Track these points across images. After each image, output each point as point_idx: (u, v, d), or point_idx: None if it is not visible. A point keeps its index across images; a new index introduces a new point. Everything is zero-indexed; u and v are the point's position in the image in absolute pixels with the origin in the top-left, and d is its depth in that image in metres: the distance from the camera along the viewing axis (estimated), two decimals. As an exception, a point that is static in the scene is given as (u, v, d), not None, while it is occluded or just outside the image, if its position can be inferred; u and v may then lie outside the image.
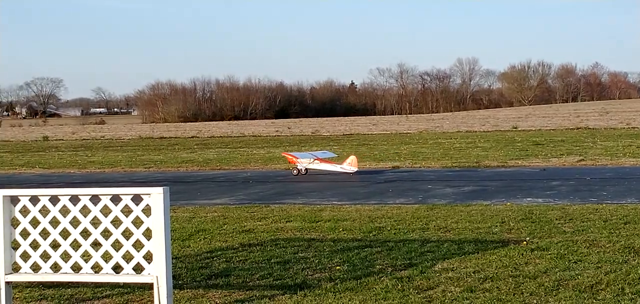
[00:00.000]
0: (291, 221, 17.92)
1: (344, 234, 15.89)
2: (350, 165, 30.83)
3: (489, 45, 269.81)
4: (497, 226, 16.28)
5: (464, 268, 12.09)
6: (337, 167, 31.28)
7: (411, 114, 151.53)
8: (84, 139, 77.79)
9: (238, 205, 21.61)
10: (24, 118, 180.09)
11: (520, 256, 12.86)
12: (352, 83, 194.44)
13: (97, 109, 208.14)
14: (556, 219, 16.82)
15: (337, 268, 12.42)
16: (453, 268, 12.19)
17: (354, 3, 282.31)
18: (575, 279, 11.18)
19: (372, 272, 12.04)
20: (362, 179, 28.98)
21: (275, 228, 16.96)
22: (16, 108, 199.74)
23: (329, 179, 29.47)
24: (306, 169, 31.66)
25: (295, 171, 31.84)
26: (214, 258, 13.62)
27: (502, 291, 10.65)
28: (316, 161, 31.98)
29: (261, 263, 13.03)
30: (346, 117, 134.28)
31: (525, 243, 14.13)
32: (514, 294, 10.50)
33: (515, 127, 69.60)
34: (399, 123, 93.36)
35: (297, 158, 32.60)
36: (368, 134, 68.96)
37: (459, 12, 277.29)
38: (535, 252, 13.21)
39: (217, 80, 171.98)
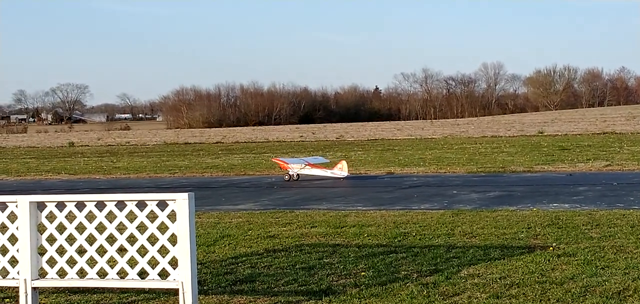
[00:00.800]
0: (316, 226, 17.89)
1: (369, 239, 15.84)
2: (341, 170, 31.29)
3: (514, 49, 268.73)
4: (523, 231, 16.16)
5: (490, 274, 12.01)
6: (328, 173, 31.73)
7: (436, 119, 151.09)
8: (109, 145, 78.27)
9: (263, 211, 21.63)
10: (50, 124, 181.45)
11: (547, 262, 12.76)
12: (377, 88, 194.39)
13: (122, 115, 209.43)
14: (583, 225, 16.68)
15: (362, 273, 12.37)
16: (479, 273, 12.11)
17: (378, 8, 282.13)
18: (603, 286, 11.06)
19: (398, 278, 11.98)
20: (387, 184, 28.91)
21: (300, 233, 16.94)
22: (42, 114, 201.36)
23: (352, 184, 29.44)
24: (298, 174, 31.90)
25: (286, 177, 32.06)
26: (239, 264, 13.62)
27: (529, 298, 10.56)
28: (307, 167, 32.28)
29: (286, 268, 13.02)
30: (371, 123, 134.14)
31: (551, 248, 14.01)
32: (540, 301, 10.40)
33: (541, 132, 69.21)
34: (423, 128, 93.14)
35: (289, 164, 32.82)
36: (393, 139, 68.85)
37: (484, 16, 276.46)
38: (562, 258, 13.09)
39: (241, 85, 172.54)
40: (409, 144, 58.80)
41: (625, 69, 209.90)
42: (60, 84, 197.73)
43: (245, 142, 74.99)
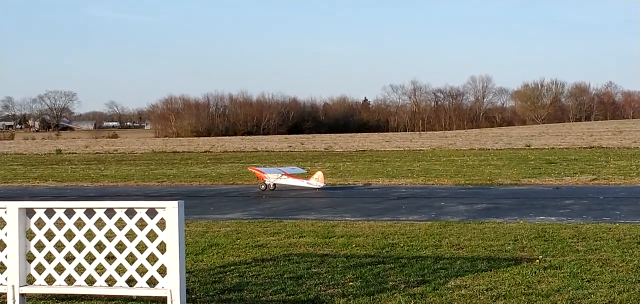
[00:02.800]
0: (304, 236, 17.93)
1: (357, 250, 15.89)
2: (317, 181, 31.44)
3: (502, 63, 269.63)
4: (510, 244, 16.25)
5: (477, 286, 12.08)
6: (304, 183, 31.82)
7: (424, 131, 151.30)
8: (97, 153, 78.06)
9: (251, 220, 21.65)
10: (37, 131, 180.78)
11: (533, 275, 12.84)
12: (366, 99, 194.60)
13: (110, 123, 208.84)
14: (569, 238, 16.78)
15: (350, 283, 12.42)
16: (466, 285, 12.18)
17: (367, 19, 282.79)
18: (588, 298, 11.15)
19: (385, 288, 12.04)
20: (375, 195, 29.00)
21: (288, 243, 16.98)
22: (29, 121, 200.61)
23: (344, 195, 29.52)
24: (274, 184, 31.95)
25: (263, 186, 32.09)
26: (227, 273, 13.64)
27: (515, 309, 10.62)
28: (284, 176, 32.34)
29: (274, 278, 13.05)
30: (359, 134, 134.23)
31: (538, 261, 14.10)
32: (527, 313, 10.47)
33: (528, 146, 69.41)
34: (411, 140, 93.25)
35: (265, 173, 32.84)
36: (381, 151, 68.92)
37: (473, 30, 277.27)
38: (548, 270, 13.18)
39: (230, 95, 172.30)
40: (397, 156, 58.90)
41: (613, 84, 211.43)
42: (48, 91, 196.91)
43: (233, 151, 74.93)
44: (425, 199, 27.58)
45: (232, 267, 14.21)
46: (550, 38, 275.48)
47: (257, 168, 35.42)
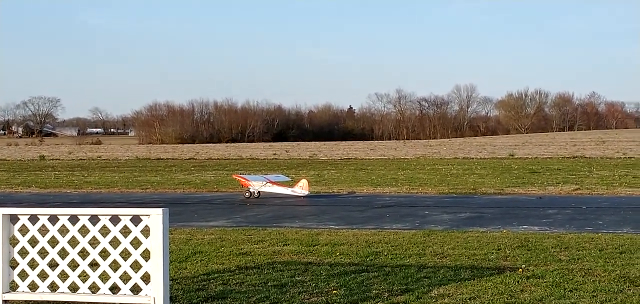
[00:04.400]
0: (288, 244, 17.95)
1: (341, 258, 15.92)
2: (301, 189, 31.47)
3: (487, 72, 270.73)
4: (493, 253, 16.33)
5: (460, 294, 12.13)
6: (289, 191, 31.84)
7: (409, 139, 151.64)
8: (81, 159, 77.78)
9: (235, 228, 21.64)
10: (21, 137, 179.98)
11: (516, 284, 12.90)
12: (351, 107, 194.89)
13: (94, 129, 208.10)
14: (552, 248, 16.87)
15: (334, 292, 12.44)
16: (449, 293, 12.22)
17: (352, 27, 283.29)
18: (571, 308, 11.21)
19: (369, 297, 12.07)
20: (359, 203, 29.05)
21: (272, 251, 16.98)
22: (13, 127, 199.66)
23: (328, 203, 29.56)
24: (259, 192, 31.96)
25: (247, 194, 32.08)
26: (211, 281, 13.63)
27: (498, 318, 10.67)
28: (268, 184, 32.34)
29: (258, 286, 13.06)
30: (344, 142, 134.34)
31: (521, 270, 14.17)
32: (509, 322, 10.53)
33: (512, 155, 69.68)
34: (396, 149, 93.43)
35: (250, 181, 32.82)
36: (366, 159, 69.01)
37: (458, 39, 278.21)
38: (531, 280, 13.25)
39: (215, 102, 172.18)
40: (381, 164, 59.00)
41: (596, 94, 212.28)
42: (32, 97, 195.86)
43: (218, 159, 74.82)
44: (409, 207, 27.64)
45: (215, 275, 14.20)
46: (534, 48, 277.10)
47: (241, 176, 35.40)
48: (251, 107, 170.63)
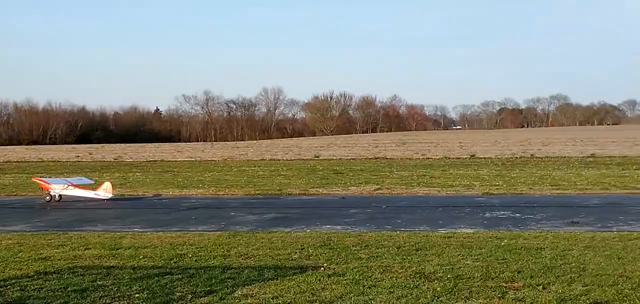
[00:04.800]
0: (90, 248, 17.57)
1: (145, 261, 15.75)
2: (105, 191, 31.06)
3: (293, 75, 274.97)
4: (296, 252, 16.66)
5: (264, 294, 12.32)
6: (92, 194, 31.33)
7: (216, 141, 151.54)
8: None
9: (35, 232, 20.93)
10: None
11: (318, 282, 13.25)
12: (157, 109, 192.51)
13: None
14: (353, 246, 17.41)
15: (137, 295, 12.32)
16: (253, 294, 12.39)
17: (159, 27, 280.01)
18: None
19: (172, 299, 12.04)
20: (165, 206, 28.78)
21: (73, 255, 16.57)
22: None
23: (131, 206, 29.09)
24: (60, 195, 31.26)
25: (48, 197, 31.27)
26: (8, 287, 13.15)
27: (299, 316, 10.92)
28: (70, 187, 31.69)
29: (57, 291, 12.72)
30: (150, 144, 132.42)
31: (322, 268, 14.55)
32: (310, 319, 10.79)
33: (317, 156, 71.12)
34: (203, 150, 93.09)
35: (50, 184, 32.01)
36: (172, 161, 68.36)
37: (265, 42, 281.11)
38: (332, 278, 13.64)
39: (14, 103, 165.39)
40: (188, 166, 58.63)
41: (397, 97, 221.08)
42: None
43: (17, 161, 71.85)
44: (216, 209, 27.67)
45: (13, 281, 13.72)
46: (340, 51, 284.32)
47: (41, 179, 34.20)
48: (53, 108, 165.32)
